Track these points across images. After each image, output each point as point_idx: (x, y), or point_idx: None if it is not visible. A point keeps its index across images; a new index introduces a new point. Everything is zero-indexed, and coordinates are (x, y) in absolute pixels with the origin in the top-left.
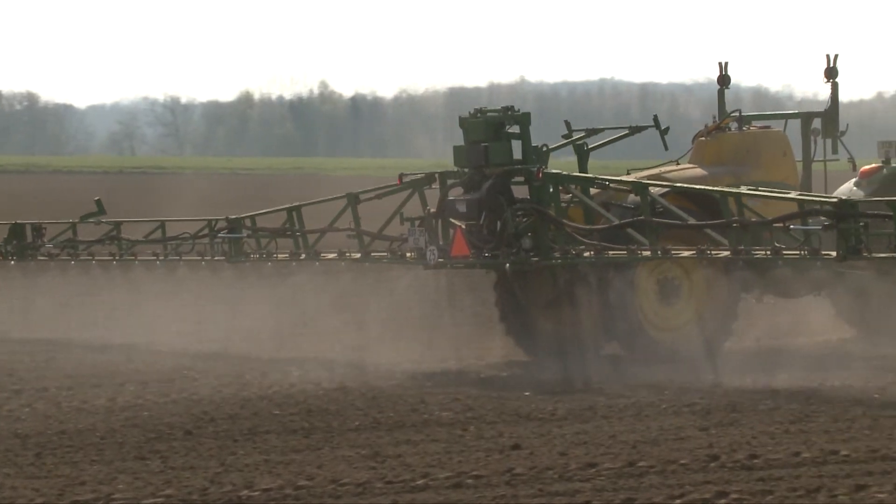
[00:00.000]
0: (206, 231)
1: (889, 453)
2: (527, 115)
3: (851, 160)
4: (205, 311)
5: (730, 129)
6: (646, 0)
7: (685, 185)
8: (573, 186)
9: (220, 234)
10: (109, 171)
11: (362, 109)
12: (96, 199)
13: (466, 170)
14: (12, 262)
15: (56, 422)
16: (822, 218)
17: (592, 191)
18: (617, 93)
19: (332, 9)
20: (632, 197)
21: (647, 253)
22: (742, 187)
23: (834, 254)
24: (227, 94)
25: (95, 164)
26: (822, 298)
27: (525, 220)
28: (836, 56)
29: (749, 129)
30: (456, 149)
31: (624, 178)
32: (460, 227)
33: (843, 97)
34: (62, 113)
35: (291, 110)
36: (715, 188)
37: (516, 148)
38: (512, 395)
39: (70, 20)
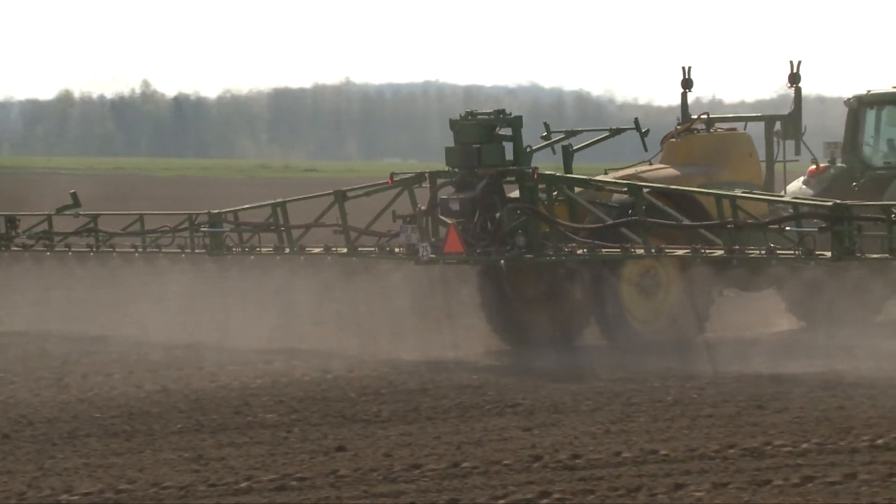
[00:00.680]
0: (186, 225)
1: (707, 452)
2: (519, 119)
3: (815, 160)
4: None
5: (698, 131)
6: (473, 3)
7: (681, 188)
8: (564, 186)
9: (201, 229)
10: None
11: (185, 109)
12: (72, 192)
13: (457, 170)
14: None
15: None
16: (816, 220)
17: (576, 190)
18: (442, 95)
19: (155, 7)
20: (616, 196)
21: (641, 251)
22: (736, 189)
23: (829, 254)
24: (47, 93)
25: None
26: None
27: (519, 218)
28: (799, 62)
29: (716, 130)
30: (448, 150)
31: (616, 178)
32: (453, 224)
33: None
34: None
35: (113, 110)
36: (712, 191)
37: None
38: (336, 396)
39: None
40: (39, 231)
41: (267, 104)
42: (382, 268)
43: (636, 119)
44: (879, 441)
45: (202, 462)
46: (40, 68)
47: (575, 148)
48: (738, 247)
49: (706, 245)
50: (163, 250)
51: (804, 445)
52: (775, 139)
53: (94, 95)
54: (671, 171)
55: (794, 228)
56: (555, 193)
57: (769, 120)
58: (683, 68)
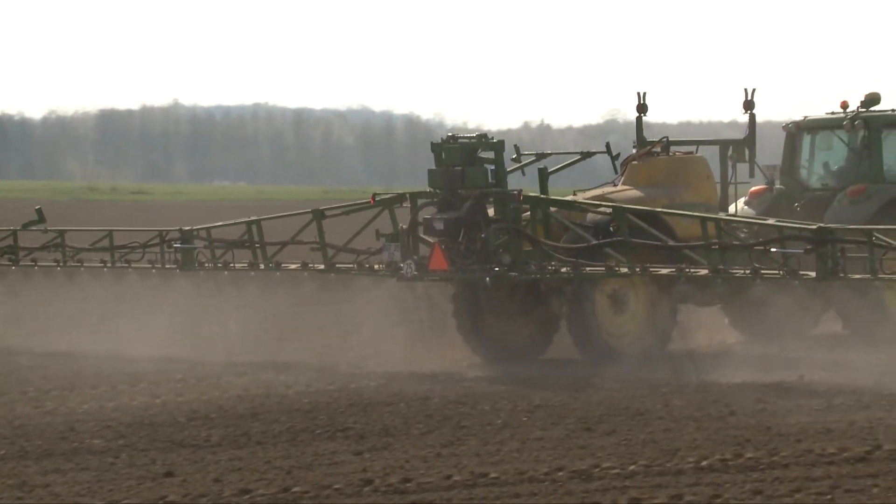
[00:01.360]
0: (156, 241)
1: (536, 475)
2: (501, 143)
3: (770, 182)
4: None
5: (658, 154)
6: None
7: (667, 210)
8: (547, 208)
9: (173, 244)
10: None
11: (9, 130)
12: (37, 207)
13: (439, 191)
14: None
15: None
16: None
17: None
18: (271, 117)
19: None
20: (590, 216)
21: (625, 270)
22: (720, 213)
23: (813, 274)
24: None
25: None
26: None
27: (503, 237)
28: (753, 90)
29: (675, 154)
30: (430, 172)
31: (587, 198)
32: (438, 243)
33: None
34: None
35: None
36: (696, 213)
37: None
38: (165, 421)
39: None
40: (5, 246)
41: (93, 125)
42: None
43: (608, 143)
44: (704, 463)
45: (26, 489)
46: None
47: (550, 170)
48: (722, 266)
49: (690, 264)
50: (132, 265)
51: (631, 467)
52: (729, 162)
53: None
54: (636, 193)
55: (780, 250)
56: (526, 214)
57: (724, 144)
58: (638, 94)
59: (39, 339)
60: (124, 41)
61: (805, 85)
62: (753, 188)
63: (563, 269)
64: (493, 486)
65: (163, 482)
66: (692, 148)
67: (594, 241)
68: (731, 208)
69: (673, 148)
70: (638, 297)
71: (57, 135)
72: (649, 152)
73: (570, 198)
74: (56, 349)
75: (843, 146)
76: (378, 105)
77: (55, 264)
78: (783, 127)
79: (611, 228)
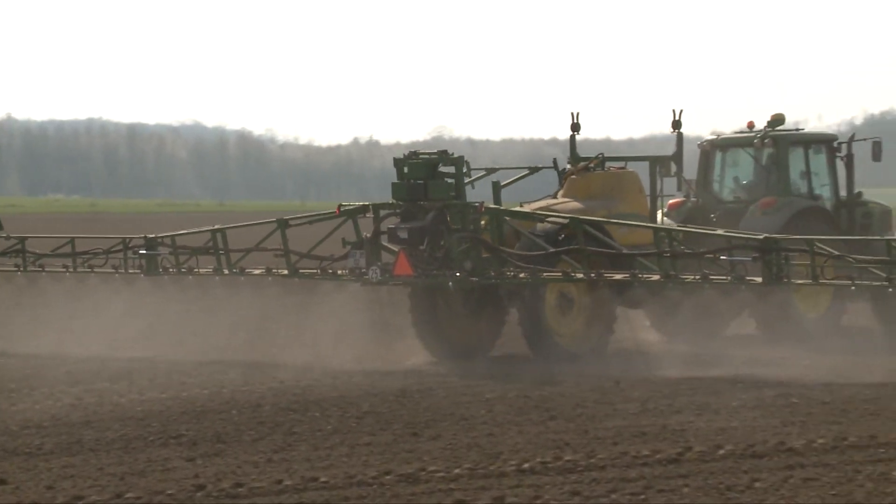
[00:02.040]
0: (119, 247)
1: (365, 479)
2: (461, 158)
3: (686, 195)
4: None
5: (594, 169)
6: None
7: (623, 222)
8: (505, 217)
9: (139, 251)
10: None
11: None
12: None
13: (401, 202)
14: None
15: None
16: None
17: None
18: (105, 132)
19: None
20: (539, 225)
21: (581, 275)
22: (672, 223)
23: (759, 280)
24: None
25: None
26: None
27: (465, 245)
28: (681, 111)
29: (609, 169)
30: (394, 185)
31: (534, 209)
32: (402, 250)
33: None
34: None
35: None
36: (653, 225)
37: None
38: None
39: None
40: None
41: None
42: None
43: (554, 159)
44: (525, 465)
45: None
46: None
47: (503, 184)
48: (673, 273)
49: (642, 271)
50: (95, 270)
51: (456, 470)
52: (659, 177)
53: None
54: (577, 204)
55: (729, 258)
56: (482, 223)
57: (653, 160)
58: (572, 113)
59: None
60: None
61: (713, 104)
62: (672, 200)
63: (522, 275)
64: (323, 490)
65: None
66: (621, 163)
67: (552, 249)
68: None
69: (610, 164)
70: (581, 300)
71: None
72: (586, 167)
73: (523, 209)
74: None
75: (749, 162)
76: (210, 121)
77: (15, 269)
78: (698, 145)
79: (559, 237)
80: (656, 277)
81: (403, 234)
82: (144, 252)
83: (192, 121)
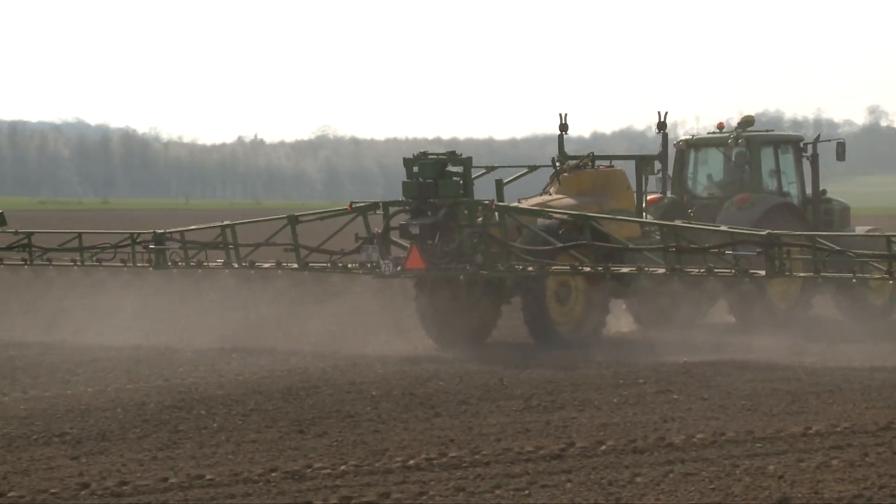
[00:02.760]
0: (127, 242)
1: (251, 476)
2: (469, 159)
3: (663, 192)
4: None
5: (586, 168)
6: (18, 35)
7: (634, 219)
8: (514, 214)
9: (149, 246)
10: None
11: None
12: (0, 212)
13: (411, 200)
14: None
15: None
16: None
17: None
18: None
19: None
20: (539, 220)
21: (588, 269)
22: (676, 220)
23: (763, 272)
24: None
25: None
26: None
27: (474, 240)
28: (666, 112)
29: (599, 167)
30: (405, 183)
31: (532, 205)
32: (415, 245)
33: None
34: None
35: None
36: (661, 222)
37: None
38: None
39: None
40: None
41: None
42: None
43: (553, 158)
44: (411, 462)
45: None
46: None
47: (505, 181)
48: (678, 266)
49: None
50: (103, 264)
51: (342, 467)
52: (644, 175)
53: None
54: (571, 200)
55: (733, 252)
56: (480, 219)
57: (639, 160)
58: (560, 114)
59: None
60: None
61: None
62: (650, 196)
63: (531, 269)
64: (208, 488)
65: None
66: (606, 161)
67: (559, 245)
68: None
69: (599, 163)
70: (578, 292)
71: None
72: (578, 166)
73: (523, 205)
74: None
75: (720, 161)
76: (94, 118)
77: (22, 263)
78: (674, 144)
79: (559, 231)
80: (662, 271)
81: (415, 230)
82: (154, 247)
83: (74, 118)
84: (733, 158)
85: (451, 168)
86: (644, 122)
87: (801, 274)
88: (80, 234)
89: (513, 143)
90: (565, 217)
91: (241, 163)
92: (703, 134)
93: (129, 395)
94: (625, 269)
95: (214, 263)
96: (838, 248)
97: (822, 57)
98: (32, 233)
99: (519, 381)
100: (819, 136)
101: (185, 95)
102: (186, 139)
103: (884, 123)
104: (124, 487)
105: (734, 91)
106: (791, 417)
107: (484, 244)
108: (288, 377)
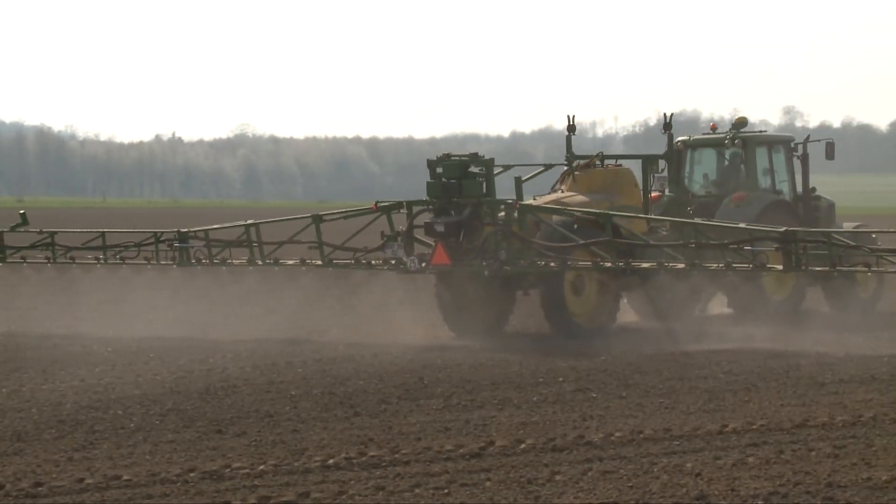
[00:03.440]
0: (151, 241)
1: (168, 477)
2: (491, 161)
3: (661, 190)
4: None
5: (597, 166)
6: None
7: (651, 217)
8: (536, 213)
9: (174, 244)
10: None
11: None
12: (21, 212)
13: (435, 200)
14: None
15: None
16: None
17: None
18: None
19: None
20: (555, 217)
21: (610, 264)
22: (695, 218)
23: (780, 267)
24: None
25: None
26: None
27: (499, 237)
28: (671, 115)
29: (608, 166)
30: (429, 184)
31: (546, 202)
32: (440, 242)
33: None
34: None
35: None
36: (682, 219)
37: None
38: None
39: None
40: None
41: None
42: None
43: (567, 156)
44: (330, 461)
45: None
46: None
47: (524, 178)
48: (698, 261)
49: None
50: (126, 262)
51: (261, 467)
52: (651, 174)
53: None
54: (583, 198)
55: (751, 248)
56: (501, 215)
57: (646, 159)
58: (568, 116)
59: None
60: None
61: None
62: (651, 195)
63: (553, 264)
64: (125, 489)
65: None
66: (609, 161)
67: (581, 241)
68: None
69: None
70: (591, 285)
71: None
72: (588, 165)
73: (546, 203)
74: None
75: (713, 160)
76: (8, 116)
77: (46, 261)
78: (672, 144)
79: (573, 227)
80: (682, 266)
81: (440, 228)
82: (178, 245)
83: None
84: (729, 158)
85: (473, 169)
86: (561, 122)
87: (818, 268)
88: (103, 234)
89: (432, 142)
90: (590, 216)
91: (159, 161)
92: (700, 136)
93: (44, 396)
94: (646, 265)
95: (239, 261)
96: (854, 243)
97: (739, 57)
98: (56, 232)
99: (439, 381)
100: (809, 136)
101: (101, 93)
102: (103, 137)
103: (799, 124)
104: (39, 489)
105: (652, 91)
106: (708, 415)
107: (507, 241)
108: (206, 377)
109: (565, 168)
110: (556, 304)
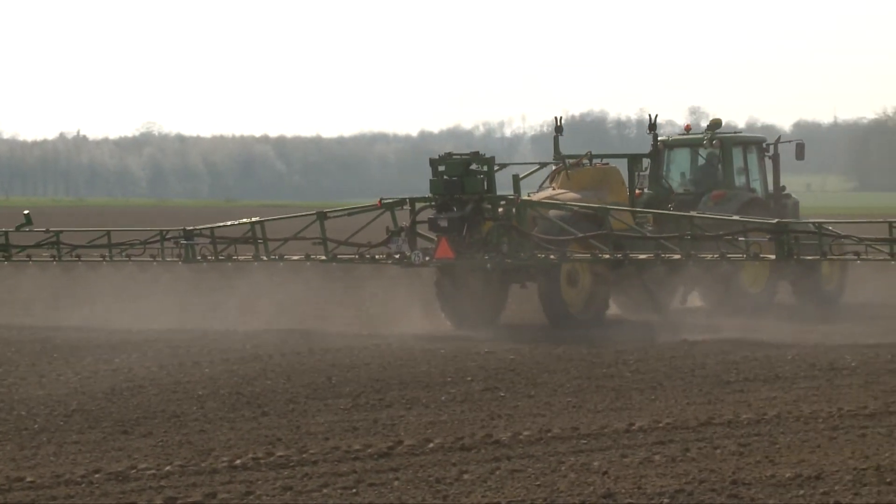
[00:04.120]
0: (156, 239)
1: (73, 478)
2: (491, 159)
3: (641, 188)
4: None
5: (586, 165)
6: None
7: (649, 210)
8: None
9: (181, 241)
10: None
11: None
12: (25, 212)
13: (437, 196)
14: None
15: None
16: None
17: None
18: None
19: None
20: (552, 212)
21: (608, 256)
22: (691, 211)
23: (773, 257)
24: None
25: None
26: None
27: (501, 231)
28: (656, 115)
29: (596, 164)
30: (432, 181)
31: (541, 198)
32: (444, 237)
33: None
34: None
35: None
36: (678, 212)
37: None
38: None
39: None
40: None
41: None
42: None
43: (563, 156)
44: (238, 462)
45: None
46: None
47: (522, 176)
48: (693, 252)
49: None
50: (132, 259)
51: (167, 468)
52: (636, 172)
53: None
54: (574, 195)
55: (746, 239)
56: (501, 210)
57: (632, 158)
58: (556, 118)
59: None
60: None
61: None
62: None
63: (552, 256)
64: (29, 490)
65: None
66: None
67: (579, 234)
68: None
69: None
70: (586, 276)
71: None
72: (578, 163)
73: (542, 199)
74: None
75: (694, 160)
76: None
77: (51, 259)
78: (651, 145)
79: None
80: (677, 257)
81: (444, 223)
82: (185, 242)
83: None
84: (706, 157)
85: (474, 167)
86: (471, 121)
87: (809, 257)
88: (108, 233)
89: (340, 140)
90: (588, 211)
91: (63, 159)
92: (678, 136)
93: None
94: (643, 256)
95: (244, 257)
96: (843, 234)
97: (644, 57)
98: (61, 231)
99: (347, 380)
100: (780, 137)
101: (4, 90)
102: (6, 135)
103: (704, 124)
104: None
105: (559, 91)
106: (615, 414)
107: (508, 235)
108: (112, 377)
109: (554, 167)
110: (552, 295)
